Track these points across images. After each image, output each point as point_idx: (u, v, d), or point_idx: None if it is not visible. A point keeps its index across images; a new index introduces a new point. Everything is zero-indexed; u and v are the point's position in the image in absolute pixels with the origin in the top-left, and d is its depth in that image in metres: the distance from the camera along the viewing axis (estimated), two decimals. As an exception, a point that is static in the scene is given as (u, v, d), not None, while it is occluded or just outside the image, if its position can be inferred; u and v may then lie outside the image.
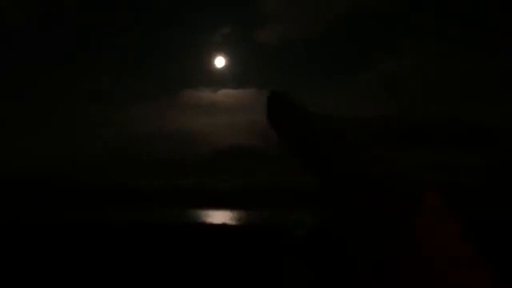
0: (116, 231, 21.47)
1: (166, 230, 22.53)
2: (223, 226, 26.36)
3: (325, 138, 0.47)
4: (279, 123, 0.50)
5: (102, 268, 12.30)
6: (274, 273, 11.64)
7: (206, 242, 18.21)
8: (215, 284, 11.14)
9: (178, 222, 28.62)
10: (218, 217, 36.66)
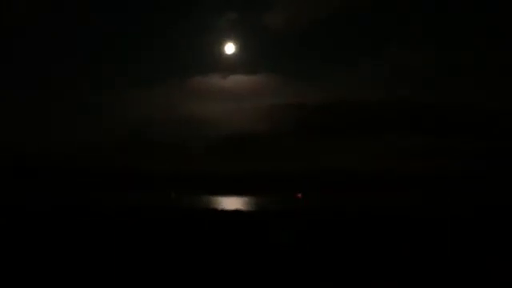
0: (128, 215, 22.13)
1: (177, 216, 23.15)
2: (236, 212, 26.96)
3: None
4: None
5: (115, 250, 12.92)
6: (282, 255, 12.15)
7: (220, 228, 18.82)
8: (228, 268, 11.65)
9: (190, 208, 29.22)
10: (230, 203, 37.32)
